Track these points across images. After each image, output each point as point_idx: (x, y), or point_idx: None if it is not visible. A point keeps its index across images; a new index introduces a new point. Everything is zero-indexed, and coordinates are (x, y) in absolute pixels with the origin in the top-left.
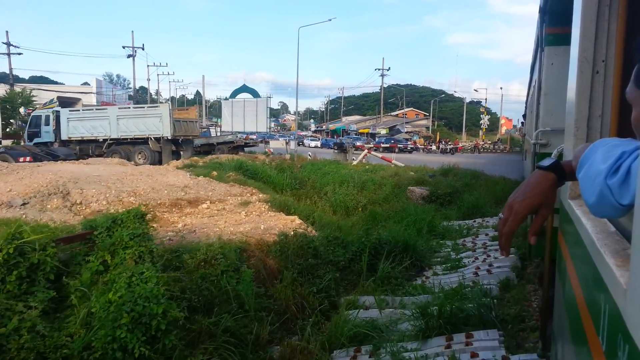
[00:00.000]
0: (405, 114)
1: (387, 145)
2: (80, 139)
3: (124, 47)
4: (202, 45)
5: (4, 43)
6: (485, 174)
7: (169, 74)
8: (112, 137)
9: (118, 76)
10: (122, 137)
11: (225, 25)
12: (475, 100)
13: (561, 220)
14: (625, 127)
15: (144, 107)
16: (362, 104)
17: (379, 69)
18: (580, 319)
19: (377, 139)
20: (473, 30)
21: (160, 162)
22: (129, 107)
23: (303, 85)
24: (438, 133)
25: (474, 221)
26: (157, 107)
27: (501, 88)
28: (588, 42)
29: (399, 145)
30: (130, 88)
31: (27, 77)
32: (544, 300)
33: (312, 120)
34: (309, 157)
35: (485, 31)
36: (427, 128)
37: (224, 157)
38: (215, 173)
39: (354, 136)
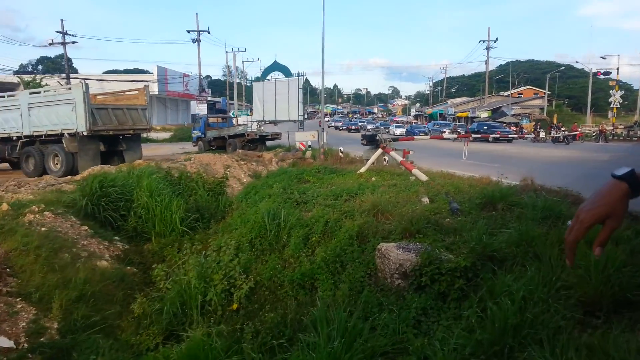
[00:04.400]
0: (521, 94)
1: (459, 132)
2: None
3: (188, 32)
4: (313, 34)
5: (58, 32)
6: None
7: (253, 60)
8: (24, 133)
9: (237, 68)
10: (35, 134)
11: (336, 10)
12: (603, 70)
13: None
14: None
15: (55, 92)
16: (473, 85)
17: (483, 41)
18: None
19: (472, 124)
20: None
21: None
22: (39, 92)
23: (417, 68)
24: (556, 115)
25: None
26: (68, 89)
27: None
28: None
29: (491, 134)
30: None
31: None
32: None
33: (417, 104)
34: (341, 153)
35: None
36: (542, 109)
37: (205, 158)
38: (5, 206)
39: (441, 122)
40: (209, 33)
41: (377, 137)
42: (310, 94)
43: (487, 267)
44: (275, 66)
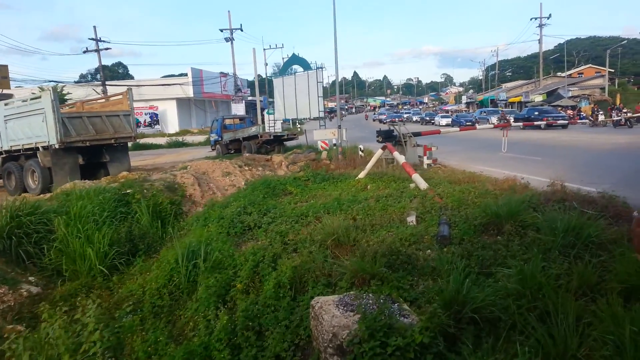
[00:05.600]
0: (582, 73)
1: (505, 120)
2: None
3: (221, 30)
4: (362, 26)
5: (91, 39)
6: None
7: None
8: (3, 148)
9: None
10: (13, 149)
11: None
12: None
13: None
14: None
15: (27, 102)
16: (530, 67)
17: (535, 18)
18: None
19: (524, 109)
20: None
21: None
22: (13, 102)
23: (472, 52)
24: (619, 95)
25: None
26: (37, 97)
27: None
28: None
29: (539, 121)
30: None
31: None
32: None
33: (470, 91)
34: (361, 152)
35: None
36: (603, 89)
37: (203, 165)
38: None
39: (490, 109)
40: (241, 30)
41: (395, 133)
42: (358, 86)
43: (468, 333)
44: (294, 59)
